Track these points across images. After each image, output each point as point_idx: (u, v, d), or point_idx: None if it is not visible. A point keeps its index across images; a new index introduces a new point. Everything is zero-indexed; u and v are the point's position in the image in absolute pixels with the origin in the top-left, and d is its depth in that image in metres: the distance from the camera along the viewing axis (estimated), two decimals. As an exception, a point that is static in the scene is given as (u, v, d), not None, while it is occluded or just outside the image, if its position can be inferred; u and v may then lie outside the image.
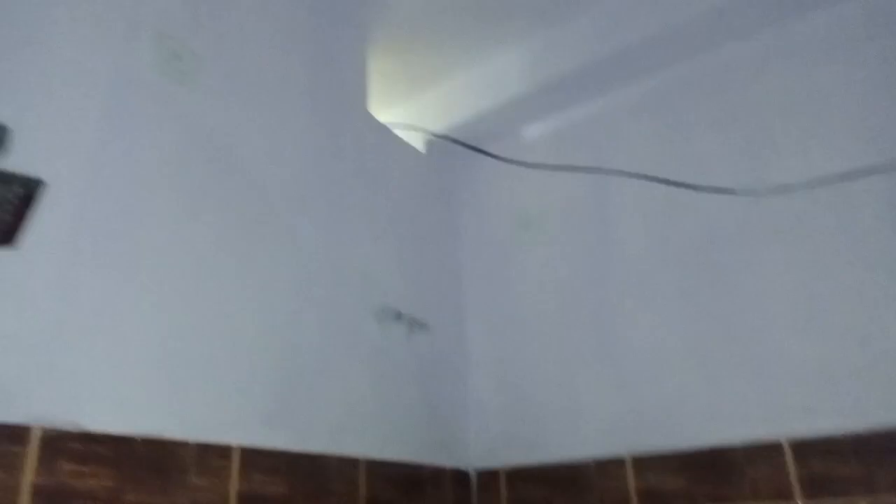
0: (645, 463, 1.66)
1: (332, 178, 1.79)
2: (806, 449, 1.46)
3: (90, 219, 1.20)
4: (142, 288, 1.27)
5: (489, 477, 1.91)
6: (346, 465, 1.57)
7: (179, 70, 1.43)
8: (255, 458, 1.36)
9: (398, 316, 1.83)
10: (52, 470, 1.05)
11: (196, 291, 1.36)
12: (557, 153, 2.10)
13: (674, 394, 1.69)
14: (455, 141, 2.19)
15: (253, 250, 1.51)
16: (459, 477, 1.89)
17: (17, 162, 0.91)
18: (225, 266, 1.44)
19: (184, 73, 1.44)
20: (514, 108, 2.13)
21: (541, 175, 2.10)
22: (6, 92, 1.09)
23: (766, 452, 1.51)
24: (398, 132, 2.12)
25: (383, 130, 2.06)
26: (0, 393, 1.02)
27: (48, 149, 1.10)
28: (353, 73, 1.98)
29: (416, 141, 2.19)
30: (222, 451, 1.31)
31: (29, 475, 1.03)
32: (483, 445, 1.96)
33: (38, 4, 1.22)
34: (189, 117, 1.45)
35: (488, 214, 2.22)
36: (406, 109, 2.26)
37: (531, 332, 2.00)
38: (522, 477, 1.85)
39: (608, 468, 1.71)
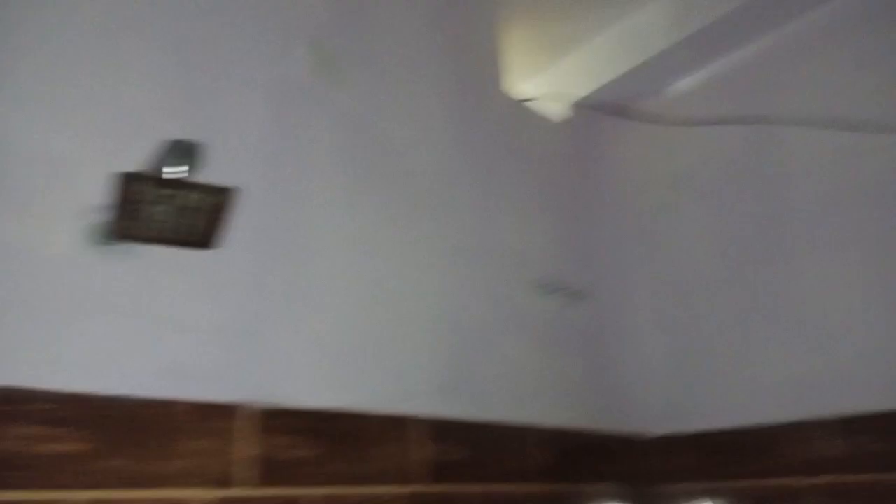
0: (833, 426, 1.55)
1: (476, 158, 1.83)
2: None
3: (271, 215, 1.32)
4: (323, 277, 1.38)
5: (664, 443, 1.87)
6: (520, 433, 1.62)
7: (332, 72, 1.53)
8: (439, 428, 1.44)
9: (556, 286, 1.84)
10: (265, 443, 1.18)
11: (366, 275, 1.46)
12: (708, 106, 1.98)
13: (859, 352, 1.55)
14: (596, 107, 2.14)
15: (412, 233, 1.59)
16: (632, 443, 1.87)
17: (207, 172, 1.03)
18: (389, 249, 1.53)
19: (336, 75, 1.53)
20: (659, 64, 2.04)
21: (692, 131, 2.00)
22: (193, 110, 1.24)
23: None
24: (538, 103, 2.11)
25: (520, 105, 2.06)
26: (215, 376, 1.16)
27: (231, 158, 1.24)
28: (487, 51, 2.00)
29: (560, 109, 2.17)
30: (405, 422, 1.40)
31: (244, 448, 1.16)
32: (655, 411, 1.93)
33: (207, 27, 1.36)
34: (344, 114, 1.55)
35: (640, 176, 2.15)
36: (547, 78, 2.24)
37: (696, 294, 1.93)
38: (700, 442, 1.79)
39: (794, 432, 1.61)
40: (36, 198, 1.04)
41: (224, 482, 1.11)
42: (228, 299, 1.21)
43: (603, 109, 2.14)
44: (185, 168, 0.85)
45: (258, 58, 1.43)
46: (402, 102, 1.69)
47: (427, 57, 1.80)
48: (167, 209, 0.87)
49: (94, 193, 1.07)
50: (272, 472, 1.17)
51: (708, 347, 1.86)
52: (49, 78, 1.11)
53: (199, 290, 1.17)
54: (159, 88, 1.22)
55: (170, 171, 0.85)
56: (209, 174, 1.01)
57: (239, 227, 1.17)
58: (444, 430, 1.45)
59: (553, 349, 1.81)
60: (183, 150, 0.85)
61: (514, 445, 1.59)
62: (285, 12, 1.51)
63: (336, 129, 1.52)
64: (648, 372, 1.98)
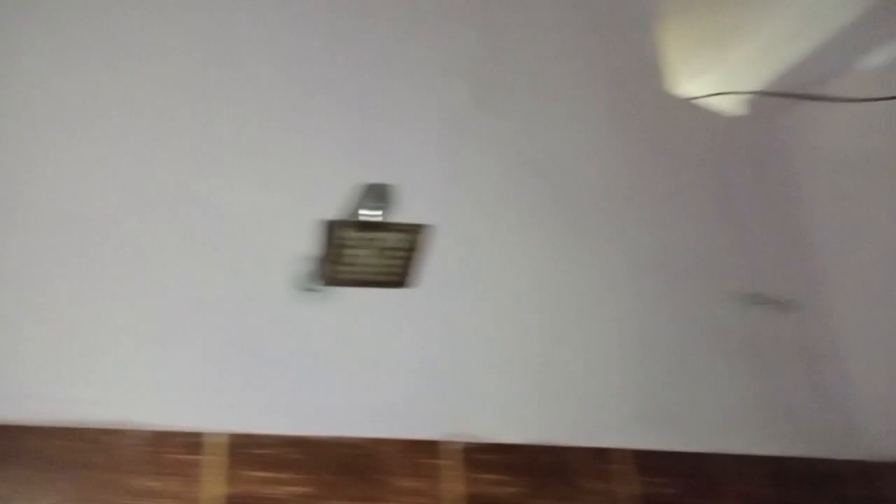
0: None
1: (647, 166, 1.73)
2: None
3: (451, 252, 1.32)
4: (508, 309, 1.36)
5: (900, 468, 1.62)
6: (734, 463, 1.48)
7: (492, 103, 1.53)
8: (644, 460, 1.35)
9: (756, 298, 1.68)
10: (469, 479, 1.17)
11: (550, 304, 1.42)
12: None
13: None
14: (775, 95, 1.96)
15: (593, 254, 1.53)
16: (865, 469, 1.64)
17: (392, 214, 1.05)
18: (569, 274, 1.48)
19: (497, 105, 1.53)
20: (843, 42, 1.84)
21: (885, 110, 1.77)
22: (376, 156, 1.29)
23: None
24: (707, 101, 1.98)
25: (688, 104, 1.94)
26: (418, 414, 1.16)
27: (411, 198, 1.26)
28: (646, 53, 1.90)
29: (732, 104, 2.02)
30: (608, 454, 1.32)
31: (451, 486, 1.15)
32: (882, 434, 1.68)
33: (379, 75, 1.41)
34: (509, 143, 1.53)
35: (836, 167, 1.93)
36: (714, 74, 2.10)
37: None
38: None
39: None
40: (243, 251, 1.12)
41: (435, 521, 1.11)
42: (423, 337, 1.22)
43: (784, 97, 1.96)
44: (382, 210, 0.87)
45: (426, 98, 1.46)
46: (566, 120, 1.65)
47: (584, 69, 1.75)
48: (368, 252, 0.89)
49: (296, 243, 1.14)
50: (479, 508, 1.15)
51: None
52: (245, 138, 1.20)
53: (395, 329, 1.19)
54: (343, 138, 1.28)
55: (367, 215, 0.87)
56: (393, 216, 1.03)
57: (423, 265, 1.19)
58: (649, 462, 1.36)
59: (761, 368, 1.65)
60: (378, 194, 0.87)
61: (728, 477, 1.46)
62: (446, 50, 1.54)
63: (503, 159, 1.51)
64: (876, 388, 1.74)
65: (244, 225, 1.13)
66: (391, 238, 0.88)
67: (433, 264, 1.24)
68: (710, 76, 2.11)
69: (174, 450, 0.96)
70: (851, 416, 1.72)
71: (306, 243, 1.14)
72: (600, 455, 1.31)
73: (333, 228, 0.86)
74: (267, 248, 1.14)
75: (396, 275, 0.92)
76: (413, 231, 0.88)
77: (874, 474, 1.65)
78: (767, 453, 1.53)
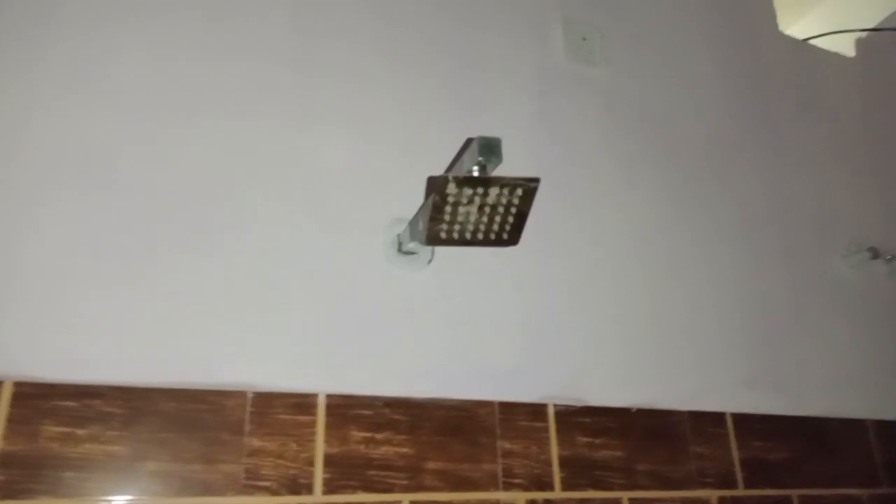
0: None
1: (760, 113, 1.63)
2: None
3: (547, 208, 1.27)
4: (607, 267, 1.31)
5: None
6: (849, 428, 1.40)
7: (588, 51, 1.45)
8: (749, 424, 1.30)
9: (874, 253, 1.56)
10: (569, 442, 1.14)
11: (652, 260, 1.36)
12: None
13: None
14: (890, 29, 1.79)
15: (698, 208, 1.45)
16: None
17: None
18: (674, 229, 1.41)
19: (592, 54, 1.45)
20: None
21: None
22: (470, 110, 1.24)
23: None
24: (822, 41, 1.82)
25: (803, 45, 1.79)
26: (521, 375, 1.14)
27: (505, 153, 1.22)
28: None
29: (846, 45, 1.86)
30: (716, 419, 1.27)
31: (554, 448, 1.13)
32: None
33: (468, 26, 1.35)
34: (606, 93, 1.45)
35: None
36: (825, 11, 1.93)
37: None
38: None
39: None
40: (345, 212, 1.10)
41: (537, 485, 1.09)
42: (523, 298, 1.19)
43: None
44: (489, 165, 0.83)
45: (517, 48, 1.39)
46: (666, 67, 1.55)
47: (685, 11, 1.64)
48: (474, 208, 0.85)
49: (397, 202, 1.11)
50: (576, 474, 1.13)
51: None
52: (346, 100, 1.17)
53: (495, 290, 1.17)
54: (439, 93, 1.25)
55: (474, 170, 0.83)
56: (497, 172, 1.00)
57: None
58: (753, 426, 1.30)
59: (881, 328, 1.54)
60: (484, 148, 0.83)
61: (845, 442, 1.38)
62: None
63: (600, 110, 1.43)
64: None
65: (344, 185, 1.12)
66: (500, 193, 0.84)
67: (531, 223, 1.20)
68: (822, 14, 1.94)
69: (281, 411, 0.97)
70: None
71: (407, 202, 1.12)
72: (702, 418, 1.26)
73: (440, 185, 0.82)
74: (368, 208, 1.12)
75: (504, 231, 0.88)
76: (523, 185, 0.83)
77: None
78: (883, 417, 1.45)
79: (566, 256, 1.27)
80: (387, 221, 1.11)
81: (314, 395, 1.01)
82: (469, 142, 0.89)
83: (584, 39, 1.46)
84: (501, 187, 0.83)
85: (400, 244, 1.08)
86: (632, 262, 1.33)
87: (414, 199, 1.14)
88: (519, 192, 0.84)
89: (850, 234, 1.60)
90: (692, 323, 1.34)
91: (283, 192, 1.08)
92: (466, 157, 0.86)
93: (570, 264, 1.27)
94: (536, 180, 0.84)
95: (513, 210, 0.87)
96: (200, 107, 1.07)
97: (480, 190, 0.83)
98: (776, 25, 1.76)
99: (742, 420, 1.31)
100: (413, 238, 1.03)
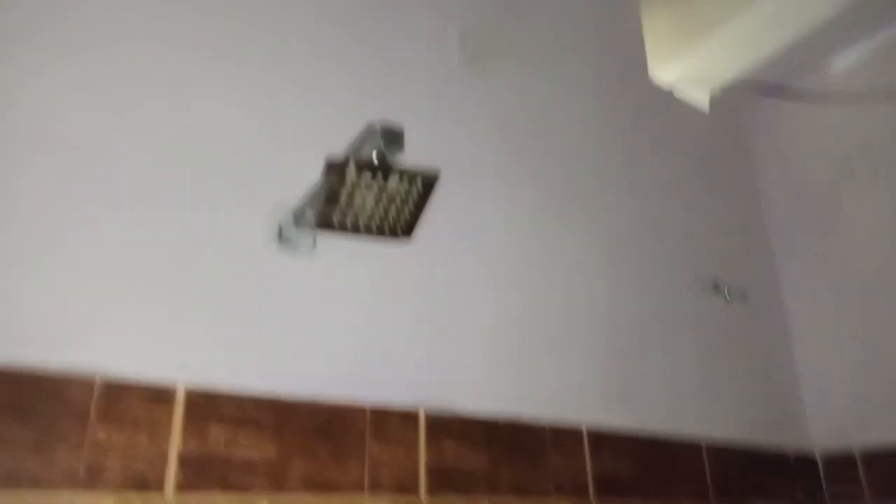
0: None
1: (626, 147, 1.76)
2: None
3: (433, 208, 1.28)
4: (486, 275, 1.33)
5: (840, 461, 1.71)
6: (688, 448, 1.52)
7: (481, 63, 1.49)
8: (601, 440, 1.36)
9: (715, 286, 1.73)
10: (436, 451, 1.14)
11: (526, 273, 1.41)
12: (875, 83, 1.82)
13: None
14: (749, 88, 2.01)
15: (570, 227, 1.53)
16: (805, 460, 1.73)
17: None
18: (549, 245, 1.48)
19: (485, 65, 1.50)
20: (817, 38, 1.91)
21: (862, 108, 1.84)
22: (372, 98, 1.23)
23: None
24: (684, 89, 2.01)
25: (667, 92, 1.96)
26: (393, 380, 1.12)
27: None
28: (631, 36, 1.92)
29: (707, 94, 2.06)
30: (573, 433, 1.33)
31: (418, 455, 1.12)
32: (825, 424, 1.77)
33: (391, 22, 1.34)
34: (498, 104, 1.50)
35: (798, 163, 2.01)
36: (691, 62, 2.13)
37: (878, 292, 1.76)
38: (883, 461, 1.63)
39: None
40: (223, 191, 1.04)
41: (402, 489, 1.07)
42: (402, 300, 1.18)
43: (758, 90, 2.01)
44: (391, 154, 0.82)
45: (420, 45, 1.40)
46: (551, 91, 1.64)
47: (571, 43, 1.75)
48: (371, 197, 0.83)
49: (285, 186, 1.07)
50: (442, 481, 1.13)
51: (888, 353, 1.70)
52: (234, 71, 1.11)
53: (376, 288, 1.15)
54: (337, 80, 1.23)
55: (376, 157, 0.82)
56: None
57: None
58: (605, 442, 1.37)
59: (718, 354, 1.70)
60: (387, 135, 0.82)
61: (682, 460, 1.49)
62: (441, 5, 1.49)
63: (491, 119, 1.48)
64: (823, 381, 1.82)
65: (225, 163, 1.06)
66: (400, 183, 0.83)
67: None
68: (686, 64, 2.14)
69: (133, 402, 0.89)
70: (799, 407, 1.81)
71: (293, 187, 1.07)
72: (560, 433, 1.31)
73: (338, 168, 0.80)
74: (249, 189, 1.06)
75: (401, 224, 0.87)
76: (424, 178, 0.83)
77: (824, 464, 1.74)
78: (721, 438, 1.58)
79: (447, 261, 1.28)
80: (269, 205, 1.06)
81: (171, 388, 0.93)
82: (370, 127, 0.87)
83: (480, 52, 1.50)
84: (402, 177, 0.83)
85: (281, 231, 1.03)
86: (507, 272, 1.37)
87: (301, 184, 1.09)
88: (419, 184, 0.84)
89: (697, 266, 1.76)
90: (557, 337, 1.40)
91: (154, 164, 1.00)
92: (366, 143, 0.85)
93: (451, 270, 1.28)
94: (436, 175, 0.84)
95: (411, 203, 0.86)
96: (81, 56, 0.97)
97: (381, 177, 0.82)
98: (647, 70, 1.91)
99: (598, 436, 1.38)
100: (298, 224, 0.99)
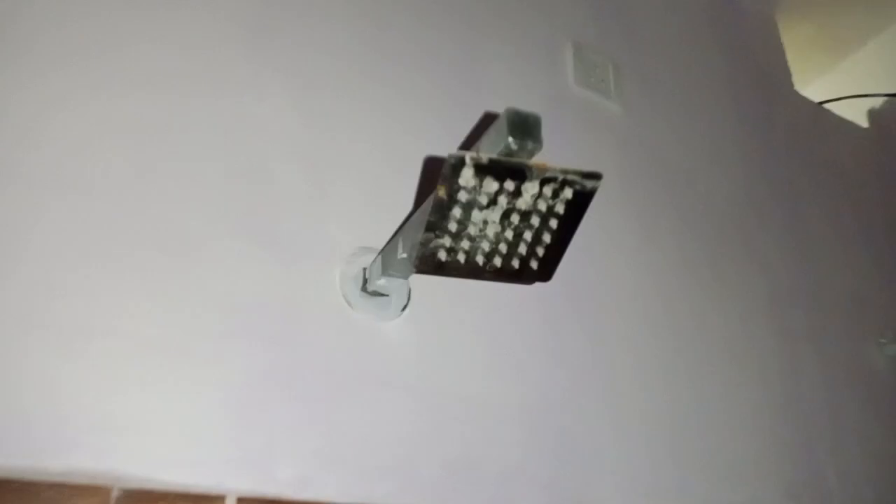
0: None
1: (779, 177, 1.43)
2: None
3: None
4: (648, 343, 1.03)
5: None
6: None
7: (600, 80, 1.23)
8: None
9: None
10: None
11: (667, 341, 1.08)
12: None
13: None
14: None
15: (717, 280, 1.20)
16: None
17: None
18: (691, 304, 1.15)
19: (605, 83, 1.23)
20: None
21: None
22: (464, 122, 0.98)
23: None
24: (839, 105, 1.68)
25: (818, 110, 1.64)
26: (524, 478, 0.82)
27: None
28: (771, 49, 1.62)
29: (859, 114, 1.72)
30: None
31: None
32: None
33: (471, 30, 1.11)
34: (619, 130, 1.22)
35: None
36: (839, 76, 1.81)
37: None
38: None
39: None
40: (293, 234, 0.80)
41: None
42: (523, 372, 0.89)
43: None
44: (522, 152, 0.55)
45: (523, 67, 1.15)
46: (680, 113, 1.35)
47: (703, 62, 1.46)
48: (496, 215, 0.56)
49: (367, 229, 0.82)
50: None
51: None
52: (310, 94, 0.89)
53: (489, 354, 0.86)
54: (431, 104, 0.99)
55: (502, 154, 0.55)
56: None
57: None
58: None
59: None
60: (518, 125, 0.55)
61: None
62: (554, 14, 1.24)
63: (612, 147, 1.20)
64: None
65: (296, 200, 0.82)
66: (539, 194, 0.55)
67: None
68: (834, 80, 1.82)
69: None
70: None
71: (376, 230, 0.82)
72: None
73: (450, 167, 0.53)
74: (324, 231, 0.82)
75: (533, 258, 0.59)
76: (576, 183, 0.56)
77: None
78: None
79: (572, 323, 0.98)
80: (349, 250, 0.81)
81: (220, 498, 0.67)
82: (490, 118, 0.61)
83: (597, 68, 1.24)
84: (544, 183, 0.55)
85: (366, 281, 0.78)
86: (641, 335, 1.05)
87: (386, 227, 0.84)
88: (568, 193, 0.56)
89: (884, 320, 1.39)
90: (714, 426, 1.07)
91: (210, 200, 0.77)
92: (487, 138, 0.58)
93: (582, 333, 0.98)
94: (598, 177, 0.56)
95: (552, 224, 0.58)
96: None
97: (511, 185, 0.55)
98: (792, 84, 1.60)
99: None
100: (386, 270, 0.73)
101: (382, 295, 0.78)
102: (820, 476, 1.13)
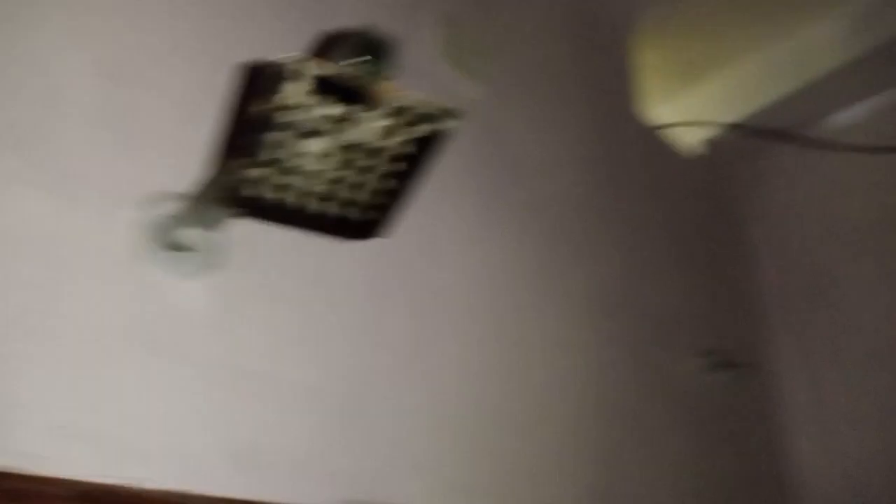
0: None
1: (613, 190, 1.48)
2: None
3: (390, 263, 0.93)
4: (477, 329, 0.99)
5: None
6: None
7: (464, 58, 1.19)
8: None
9: (709, 357, 1.44)
10: None
11: (493, 329, 1.07)
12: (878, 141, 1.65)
13: None
14: (751, 133, 1.79)
15: (546, 277, 1.21)
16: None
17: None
18: (522, 288, 1.14)
19: (469, 63, 1.19)
20: (821, 90, 1.73)
21: (861, 168, 1.67)
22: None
23: None
24: (679, 130, 1.77)
25: (658, 133, 1.72)
26: (309, 469, 0.71)
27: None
28: (620, 69, 1.68)
29: (698, 137, 1.83)
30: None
31: None
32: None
33: None
34: (476, 117, 1.18)
35: (795, 224, 1.80)
36: (686, 103, 1.91)
37: (871, 373, 1.52)
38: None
39: None
40: (77, 172, 0.64)
41: None
42: (327, 354, 0.79)
43: (760, 136, 1.80)
44: (376, 72, 0.45)
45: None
46: (538, 119, 1.35)
47: (554, 70, 1.48)
48: (334, 146, 0.46)
49: (170, 168, 0.67)
50: None
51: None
52: None
53: (297, 328, 0.75)
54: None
55: (347, 75, 0.45)
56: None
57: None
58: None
59: (721, 440, 1.40)
60: (370, 45, 0.46)
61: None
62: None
63: (468, 136, 1.15)
64: (812, 466, 1.55)
65: (81, 135, 0.66)
66: (393, 124, 0.46)
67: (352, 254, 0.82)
68: (680, 106, 1.92)
69: None
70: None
71: (181, 170, 0.67)
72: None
73: (280, 76, 0.42)
74: (113, 169, 0.67)
75: (373, 207, 0.50)
76: (434, 116, 0.47)
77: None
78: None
79: (396, 304, 0.91)
80: (147, 194, 0.66)
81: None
82: (337, 38, 0.51)
83: (465, 43, 1.19)
84: (398, 112, 0.46)
85: (166, 232, 0.63)
86: (471, 328, 1.01)
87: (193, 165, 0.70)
88: (423, 130, 0.48)
89: (687, 337, 1.47)
90: (531, 418, 1.06)
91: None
92: (330, 57, 0.48)
93: (406, 316, 0.91)
94: (457, 116, 0.48)
95: (399, 167, 0.49)
96: None
97: (358, 109, 0.45)
98: (637, 104, 1.66)
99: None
100: (194, 219, 0.59)
101: (183, 249, 0.64)
102: (625, 478, 1.15)
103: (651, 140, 1.68)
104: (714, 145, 1.85)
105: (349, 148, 0.47)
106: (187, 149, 0.67)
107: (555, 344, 1.16)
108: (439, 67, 1.13)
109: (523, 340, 1.11)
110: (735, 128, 1.81)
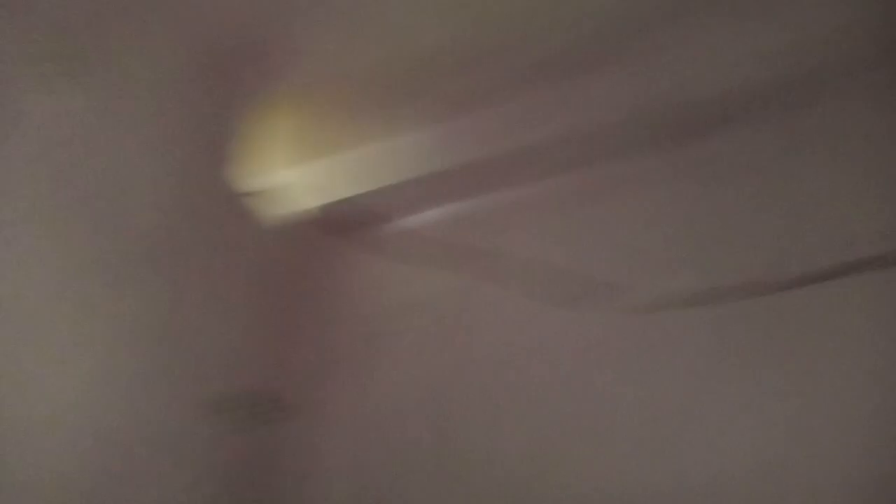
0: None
1: (178, 244, 1.59)
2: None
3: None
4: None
5: None
6: None
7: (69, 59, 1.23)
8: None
9: (237, 401, 1.61)
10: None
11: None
12: (436, 244, 2.02)
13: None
14: (322, 219, 2.06)
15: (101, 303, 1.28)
16: None
17: None
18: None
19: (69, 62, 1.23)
20: (397, 194, 2.03)
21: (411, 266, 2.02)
22: None
23: None
24: (265, 198, 1.97)
25: (241, 198, 1.90)
26: None
27: None
28: (220, 128, 1.83)
29: (288, 207, 2.05)
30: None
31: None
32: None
33: None
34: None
35: (357, 300, 2.09)
36: (284, 177, 2.11)
37: (391, 433, 1.86)
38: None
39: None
40: None
41: None
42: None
43: (327, 226, 2.06)
44: None
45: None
46: (138, 133, 1.42)
47: (168, 98, 1.57)
48: None
49: None
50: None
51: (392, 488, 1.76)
52: None
53: None
54: None
55: None
56: None
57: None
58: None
59: (224, 483, 1.55)
60: None
61: None
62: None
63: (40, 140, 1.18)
64: None
65: None
66: None
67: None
68: (278, 178, 2.09)
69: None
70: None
71: None
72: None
73: None
74: None
75: None
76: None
77: None
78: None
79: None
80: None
81: None
82: None
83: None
84: None
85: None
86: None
87: None
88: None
89: (225, 381, 1.62)
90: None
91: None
92: None
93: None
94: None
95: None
96: None
97: None
98: (225, 166, 1.81)
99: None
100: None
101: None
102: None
103: (238, 200, 1.84)
104: (309, 218, 2.07)
105: None
106: None
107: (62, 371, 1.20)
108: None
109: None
110: (331, 206, 2.06)
